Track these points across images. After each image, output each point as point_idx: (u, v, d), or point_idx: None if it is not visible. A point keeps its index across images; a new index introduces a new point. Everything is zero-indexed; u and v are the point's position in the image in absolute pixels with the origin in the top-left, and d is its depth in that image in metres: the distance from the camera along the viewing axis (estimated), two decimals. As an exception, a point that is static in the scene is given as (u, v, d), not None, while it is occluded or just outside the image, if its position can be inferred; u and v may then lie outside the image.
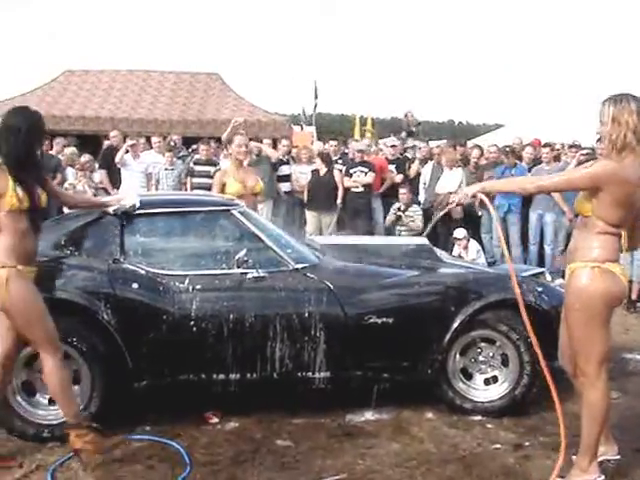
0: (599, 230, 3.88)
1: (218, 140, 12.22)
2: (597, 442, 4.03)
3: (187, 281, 4.87)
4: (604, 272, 3.86)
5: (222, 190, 6.94)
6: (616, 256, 3.91)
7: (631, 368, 6.50)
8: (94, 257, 4.95)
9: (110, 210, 4.99)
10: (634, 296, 9.01)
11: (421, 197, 11.21)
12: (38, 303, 4.22)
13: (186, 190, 10.58)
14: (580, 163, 9.22)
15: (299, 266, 5.05)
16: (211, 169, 10.71)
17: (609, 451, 4.20)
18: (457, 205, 4.42)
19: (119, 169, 10.71)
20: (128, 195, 5.53)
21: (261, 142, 11.76)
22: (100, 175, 11.02)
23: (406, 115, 14.42)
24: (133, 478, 4.21)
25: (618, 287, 3.90)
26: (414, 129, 13.95)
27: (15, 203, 4.14)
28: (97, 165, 11.23)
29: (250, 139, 12.60)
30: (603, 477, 4.05)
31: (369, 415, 5.17)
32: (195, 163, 10.85)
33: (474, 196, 4.27)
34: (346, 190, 10.84)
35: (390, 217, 10.51)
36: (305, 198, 10.94)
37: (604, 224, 3.86)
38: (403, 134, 13.79)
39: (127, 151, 10.65)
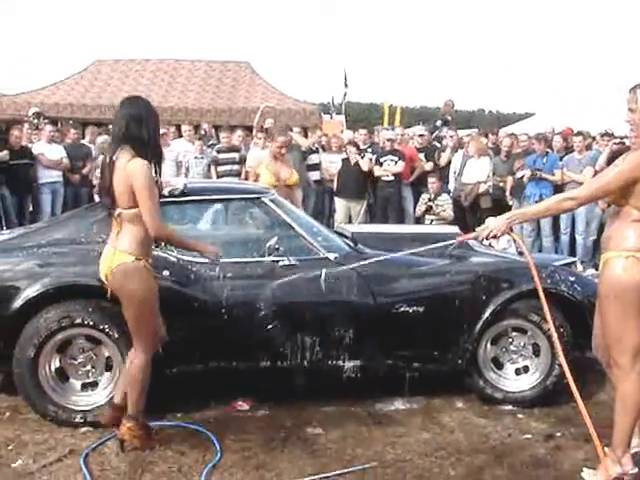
0: (633, 219, 3.81)
1: (247, 128, 12.26)
2: (630, 434, 3.99)
3: (218, 268, 4.88)
4: (639, 261, 3.81)
5: (256, 180, 6.98)
6: None
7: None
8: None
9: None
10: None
11: (451, 186, 11.16)
12: (154, 301, 4.28)
13: (211, 178, 10.61)
14: (613, 152, 9.15)
15: (330, 255, 5.04)
16: (235, 155, 10.79)
17: (641, 443, 4.16)
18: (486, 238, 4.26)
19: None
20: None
21: (291, 130, 11.76)
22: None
23: (447, 104, 14.25)
24: (164, 464, 4.24)
25: None
26: (449, 118, 13.81)
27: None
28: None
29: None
30: (637, 469, 4.01)
31: (399, 404, 5.18)
32: (218, 151, 10.89)
33: (503, 233, 4.11)
34: (376, 179, 10.81)
35: (420, 207, 10.47)
36: (335, 187, 10.93)
37: (639, 212, 3.81)
38: (438, 122, 13.66)
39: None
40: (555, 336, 4.25)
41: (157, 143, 4.31)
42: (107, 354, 4.77)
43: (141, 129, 4.15)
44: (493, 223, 4.09)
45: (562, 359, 4.21)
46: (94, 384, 4.81)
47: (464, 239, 4.61)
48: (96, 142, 11.53)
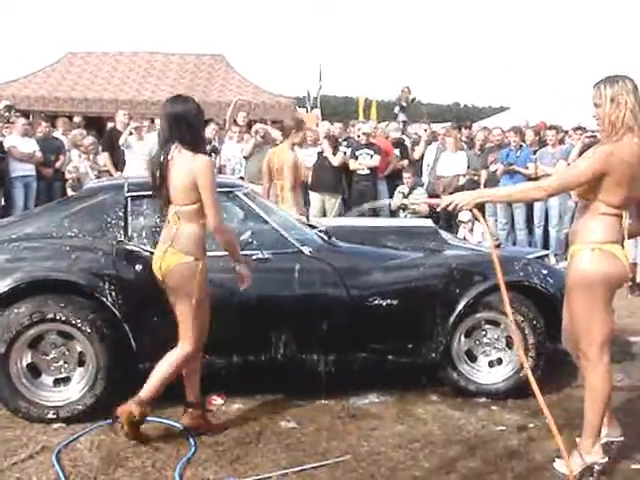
0: (600, 212, 3.85)
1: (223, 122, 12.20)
2: (600, 424, 4.03)
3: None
4: (604, 254, 3.83)
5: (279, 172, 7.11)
6: (617, 237, 3.87)
7: (635, 351, 6.49)
8: (98, 239, 4.95)
9: None
10: (639, 279, 9.00)
11: (424, 179, 11.19)
12: (207, 299, 4.35)
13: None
14: (585, 146, 9.22)
15: (304, 248, 5.03)
16: (207, 148, 10.68)
17: (612, 433, 4.19)
18: (450, 209, 4.18)
19: (123, 151, 10.68)
20: None
21: (266, 124, 11.74)
22: (103, 158, 11.00)
23: (403, 90, 14.35)
24: (138, 459, 4.21)
25: (618, 269, 3.87)
26: (404, 104, 13.91)
27: None
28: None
29: (253, 121, 12.64)
30: (606, 458, 4.06)
31: (373, 397, 5.18)
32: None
33: (470, 209, 4.08)
34: (351, 173, 10.81)
35: (395, 200, 10.50)
36: (310, 180, 10.92)
37: (606, 206, 3.84)
38: (396, 109, 13.76)
39: (131, 133, 10.62)
40: (514, 327, 4.27)
41: (204, 140, 4.40)
42: (79, 349, 4.72)
43: (190, 127, 4.21)
44: (460, 196, 4.06)
45: (521, 352, 4.29)
46: (66, 380, 4.76)
47: (427, 202, 4.59)
48: (69, 136, 11.44)
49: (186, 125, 4.20)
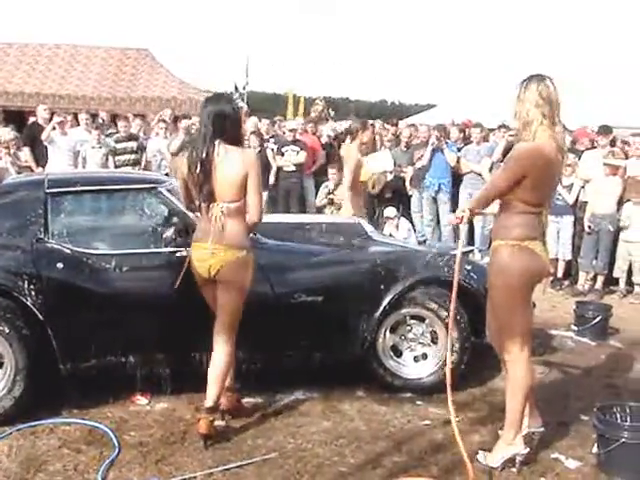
0: (518, 210, 3.95)
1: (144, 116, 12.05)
2: (521, 416, 4.12)
3: (114, 261, 4.77)
4: (523, 250, 3.93)
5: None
6: (536, 233, 3.97)
7: (556, 344, 6.66)
8: (17, 237, 4.81)
9: None
10: (560, 274, 9.23)
11: (352, 176, 11.21)
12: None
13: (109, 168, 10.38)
14: (508, 143, 9.40)
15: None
16: (133, 144, 10.58)
17: (533, 424, 4.29)
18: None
19: (46, 147, 10.42)
20: None
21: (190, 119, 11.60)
22: (24, 153, 10.71)
23: (323, 108, 14.50)
24: (59, 462, 4.12)
25: (537, 264, 3.98)
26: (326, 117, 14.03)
27: None
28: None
29: (177, 117, 12.48)
30: (528, 449, 4.15)
31: (299, 394, 5.18)
32: (116, 141, 10.67)
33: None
34: (278, 169, 10.79)
35: (321, 197, 10.53)
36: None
37: (524, 205, 3.93)
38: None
39: (54, 128, 10.37)
40: (451, 325, 4.32)
41: (243, 136, 4.55)
42: (-3, 350, 4.58)
43: (234, 123, 4.32)
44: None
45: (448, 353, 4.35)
46: (-17, 381, 4.62)
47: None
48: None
49: (230, 122, 4.28)
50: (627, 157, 9.27)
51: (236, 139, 4.33)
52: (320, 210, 10.50)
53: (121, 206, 5.19)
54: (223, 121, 4.25)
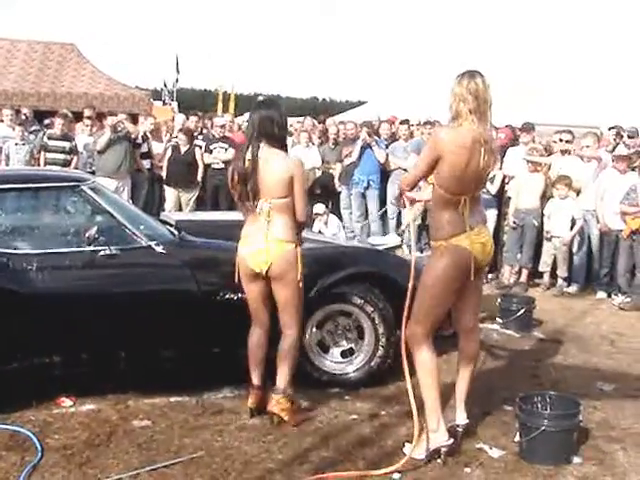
0: (442, 201, 4.09)
1: (75, 114, 11.80)
2: (438, 403, 4.21)
3: (35, 261, 4.67)
4: (449, 248, 4.08)
5: None
6: (459, 228, 4.08)
7: (482, 336, 6.75)
8: None
9: None
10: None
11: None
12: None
13: (39, 166, 10.15)
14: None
15: (152, 243, 4.94)
16: (66, 144, 10.34)
17: (459, 417, 4.38)
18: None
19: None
20: None
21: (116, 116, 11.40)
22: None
23: None
24: (-22, 469, 4.02)
25: (461, 259, 4.08)
26: None
27: None
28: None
29: (103, 114, 12.27)
30: (452, 440, 4.22)
31: (227, 391, 5.16)
32: (49, 138, 10.42)
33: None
34: (206, 167, 10.72)
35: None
36: (164, 175, 10.74)
37: (444, 192, 4.05)
38: None
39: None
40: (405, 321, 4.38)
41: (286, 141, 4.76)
42: None
43: (278, 129, 4.54)
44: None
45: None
46: None
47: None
48: None
49: (277, 127, 4.52)
50: (550, 153, 9.52)
51: (282, 143, 4.59)
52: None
53: (42, 205, 5.08)
54: (270, 124, 4.49)
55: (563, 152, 9.28)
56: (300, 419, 4.70)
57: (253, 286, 4.62)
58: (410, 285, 4.27)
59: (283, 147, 4.61)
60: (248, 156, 4.47)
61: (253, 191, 4.46)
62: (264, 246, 4.47)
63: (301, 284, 4.55)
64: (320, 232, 8.90)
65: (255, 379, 4.75)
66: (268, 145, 4.49)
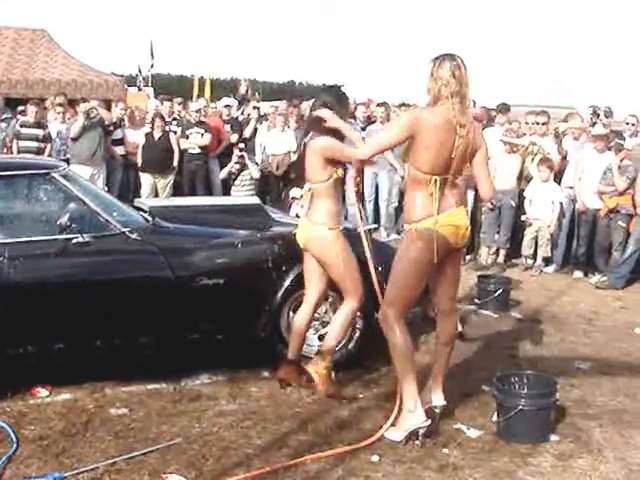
0: (414, 181, 4.13)
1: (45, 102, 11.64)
2: (414, 384, 4.23)
3: (7, 250, 4.61)
4: (419, 232, 4.11)
5: None
6: (428, 210, 4.10)
7: (460, 317, 6.78)
8: None
9: None
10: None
11: (258, 158, 11.19)
12: (353, 258, 4.74)
13: (12, 154, 10.01)
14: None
15: (126, 229, 4.90)
16: (40, 132, 10.21)
17: (435, 399, 4.39)
18: None
19: None
20: None
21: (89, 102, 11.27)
22: None
23: (247, 89, 14.32)
24: (-50, 462, 3.96)
25: (430, 243, 4.09)
26: (249, 99, 13.86)
27: (340, 171, 4.74)
28: None
29: (75, 100, 12.13)
30: (430, 421, 4.23)
31: (205, 378, 5.14)
32: (22, 125, 10.29)
33: None
34: (182, 152, 10.65)
35: (224, 176, 10.54)
36: (139, 161, 10.65)
37: (416, 171, 4.09)
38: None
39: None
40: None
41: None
42: None
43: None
44: None
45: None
46: None
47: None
48: None
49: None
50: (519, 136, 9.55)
51: (333, 130, 4.66)
52: (226, 192, 10.47)
53: (13, 193, 5.01)
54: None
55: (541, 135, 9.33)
56: (332, 391, 4.80)
57: (305, 258, 4.86)
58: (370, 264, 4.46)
59: (331, 133, 4.68)
60: (300, 143, 4.89)
61: (298, 178, 4.75)
62: (303, 227, 4.80)
63: (345, 261, 4.69)
64: (297, 216, 8.86)
65: (290, 352, 4.90)
66: (317, 133, 4.69)
